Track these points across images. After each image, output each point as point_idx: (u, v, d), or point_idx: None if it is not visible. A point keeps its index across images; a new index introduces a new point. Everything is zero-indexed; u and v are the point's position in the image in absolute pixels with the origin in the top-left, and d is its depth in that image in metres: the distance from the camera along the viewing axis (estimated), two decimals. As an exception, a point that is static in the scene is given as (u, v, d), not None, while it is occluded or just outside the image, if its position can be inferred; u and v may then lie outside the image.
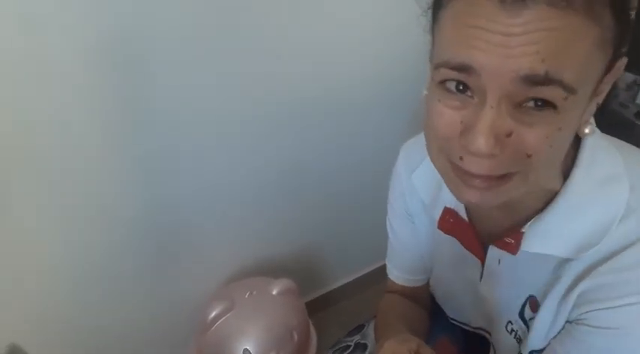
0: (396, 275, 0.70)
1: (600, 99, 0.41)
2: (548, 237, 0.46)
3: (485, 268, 0.54)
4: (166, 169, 0.87)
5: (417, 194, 0.60)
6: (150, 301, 1.02)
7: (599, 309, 0.43)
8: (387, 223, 0.68)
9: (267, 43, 0.84)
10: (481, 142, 0.36)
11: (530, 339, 0.51)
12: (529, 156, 0.37)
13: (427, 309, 0.72)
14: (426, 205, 0.60)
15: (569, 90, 0.34)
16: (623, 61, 0.39)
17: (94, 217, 0.85)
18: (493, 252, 0.52)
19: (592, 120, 0.44)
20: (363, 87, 1.02)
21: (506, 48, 0.33)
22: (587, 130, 0.42)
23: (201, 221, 0.98)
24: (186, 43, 0.77)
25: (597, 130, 0.46)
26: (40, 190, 0.77)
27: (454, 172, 0.41)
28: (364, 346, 0.73)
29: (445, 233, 0.57)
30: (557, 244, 0.46)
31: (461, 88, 0.37)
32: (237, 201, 1.00)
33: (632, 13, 0.36)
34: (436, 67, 0.38)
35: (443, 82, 0.38)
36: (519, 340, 0.54)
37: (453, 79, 0.37)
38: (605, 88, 0.40)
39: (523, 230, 0.47)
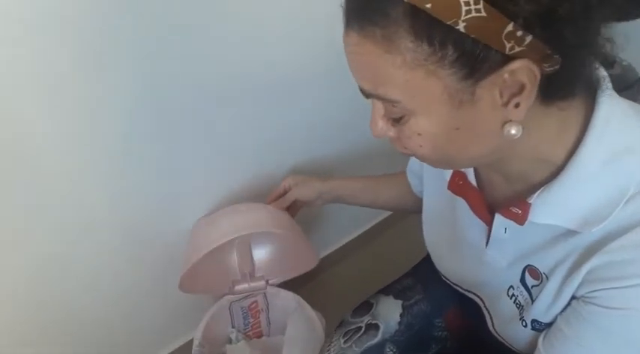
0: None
1: (524, 98, 0.37)
2: (554, 208, 0.45)
3: (492, 234, 0.54)
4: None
5: None
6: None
7: (609, 288, 0.42)
8: None
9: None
10: (371, 127, 0.45)
11: (533, 308, 0.51)
12: (406, 148, 0.45)
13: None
14: None
15: (390, 101, 0.40)
16: (521, 64, 0.35)
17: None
18: (500, 220, 0.51)
19: (605, 79, 0.44)
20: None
21: (351, 64, 0.42)
22: (513, 132, 0.40)
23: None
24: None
25: (615, 95, 0.44)
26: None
27: None
28: (376, 327, 0.72)
29: (455, 194, 0.57)
30: (563, 215, 0.45)
31: None
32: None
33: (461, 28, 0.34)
34: None
35: None
36: (519, 306, 0.54)
37: None
38: (524, 88, 0.37)
39: (530, 201, 0.46)
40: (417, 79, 0.38)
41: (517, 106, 0.38)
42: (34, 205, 0.71)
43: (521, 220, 0.48)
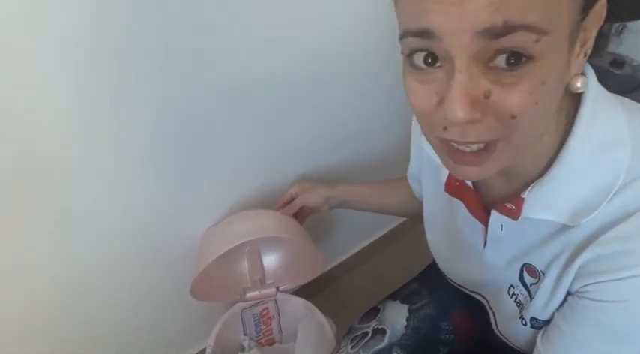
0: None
1: (588, 49, 0.38)
2: (547, 202, 0.45)
3: (488, 233, 0.54)
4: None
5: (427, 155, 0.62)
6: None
7: (601, 281, 0.42)
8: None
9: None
10: (456, 108, 0.34)
11: (532, 305, 0.51)
12: (513, 117, 0.35)
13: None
14: (436, 165, 0.60)
15: (538, 31, 0.32)
16: (602, 3, 0.36)
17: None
18: (495, 217, 0.51)
19: (590, 73, 0.43)
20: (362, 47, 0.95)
21: (460, 5, 0.32)
22: (579, 84, 0.39)
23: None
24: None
25: (602, 89, 0.44)
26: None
27: (444, 150, 0.41)
28: (383, 331, 0.72)
29: (452, 196, 0.57)
30: (555, 209, 0.45)
31: (430, 60, 0.36)
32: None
33: None
34: (401, 38, 0.37)
35: (411, 55, 0.37)
36: (519, 304, 0.54)
37: (419, 50, 0.36)
38: (589, 36, 0.38)
39: (523, 196, 0.46)
40: (563, 2, 0.34)
41: (585, 55, 0.38)
42: (50, 215, 0.74)
43: (515, 215, 0.48)
